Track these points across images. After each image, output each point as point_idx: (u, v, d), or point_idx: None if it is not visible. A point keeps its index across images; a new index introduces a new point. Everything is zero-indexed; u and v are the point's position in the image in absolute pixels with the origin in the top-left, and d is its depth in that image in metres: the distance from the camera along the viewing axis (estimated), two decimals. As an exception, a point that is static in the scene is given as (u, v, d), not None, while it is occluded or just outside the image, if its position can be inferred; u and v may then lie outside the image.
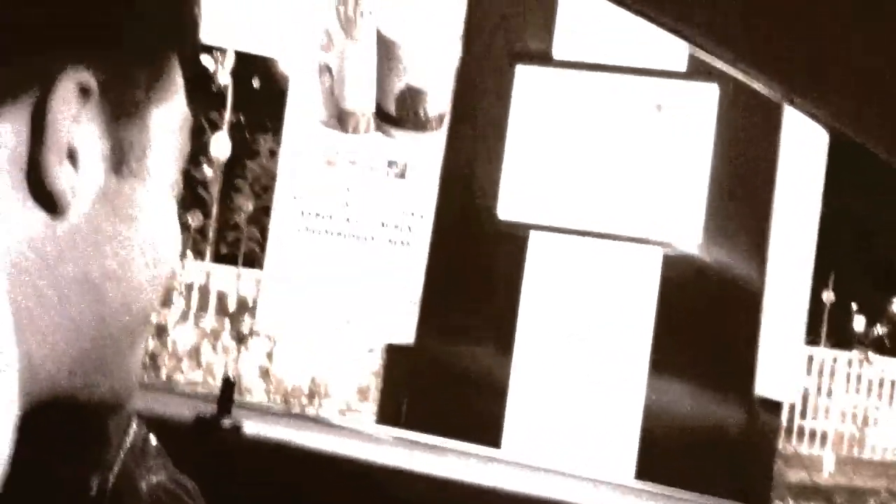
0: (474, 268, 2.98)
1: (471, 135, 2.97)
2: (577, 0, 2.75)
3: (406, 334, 2.95)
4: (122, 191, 0.52)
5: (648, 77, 2.78)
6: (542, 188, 2.86)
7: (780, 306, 2.88)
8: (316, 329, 3.00)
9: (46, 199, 0.48)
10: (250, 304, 6.85)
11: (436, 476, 1.40)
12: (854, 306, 8.90)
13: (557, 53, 2.88)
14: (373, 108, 2.93)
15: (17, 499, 0.48)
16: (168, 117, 0.55)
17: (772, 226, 2.80)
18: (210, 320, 7.61)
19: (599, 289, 2.83)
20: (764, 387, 2.82)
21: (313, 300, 3.01)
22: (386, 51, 2.87)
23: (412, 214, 2.96)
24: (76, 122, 0.49)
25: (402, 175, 2.97)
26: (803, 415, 9.18)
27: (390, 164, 2.97)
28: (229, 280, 7.65)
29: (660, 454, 2.74)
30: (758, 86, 0.68)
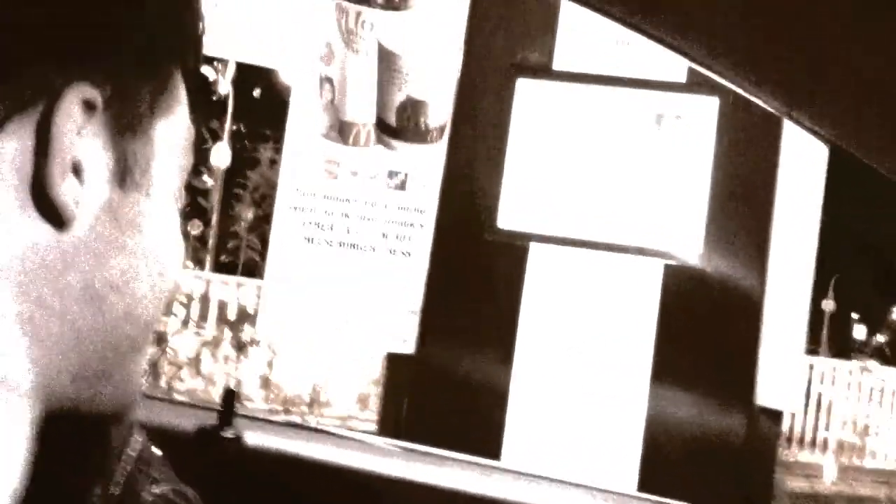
0: (475, 278, 2.98)
1: (471, 146, 2.98)
2: (577, 12, 2.76)
3: (406, 343, 2.96)
4: (126, 203, 0.52)
5: (649, 89, 2.79)
6: (543, 199, 2.87)
7: (780, 316, 2.88)
8: (317, 338, 3.00)
9: (51, 211, 0.49)
10: (251, 313, 6.85)
11: (436, 486, 1.40)
12: (854, 316, 8.90)
13: (558, 65, 2.88)
14: (373, 120, 2.94)
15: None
16: (171, 131, 0.56)
17: (772, 236, 2.80)
18: (210, 329, 7.62)
19: (600, 298, 2.83)
20: (765, 396, 2.82)
21: (314, 310, 3.01)
22: (387, 62, 2.88)
23: (413, 225, 2.96)
24: (81, 135, 0.49)
25: (402, 186, 2.97)
26: (804, 423, 9.17)
27: (391, 174, 2.98)
28: (229, 289, 7.66)
29: (662, 463, 2.74)
30: (757, 101, 0.68)
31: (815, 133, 0.67)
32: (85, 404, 0.54)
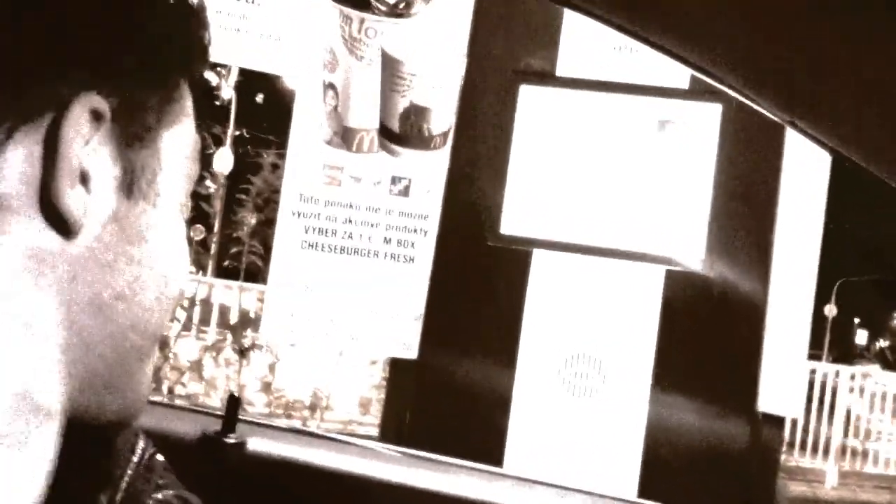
0: (477, 283, 2.98)
1: (474, 152, 2.98)
2: (580, 19, 2.76)
3: (409, 349, 2.96)
4: (133, 213, 0.53)
5: (652, 95, 2.79)
6: (546, 205, 2.87)
7: (783, 321, 2.88)
8: (319, 343, 3.00)
9: (59, 220, 0.49)
10: (252, 318, 6.85)
11: (438, 492, 1.40)
12: (857, 320, 8.90)
13: (561, 72, 2.89)
14: (377, 126, 2.95)
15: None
16: (178, 141, 0.56)
17: (775, 241, 2.80)
18: (212, 333, 7.62)
19: (603, 304, 2.83)
20: (767, 402, 2.82)
21: (317, 315, 3.01)
22: (390, 69, 2.88)
23: (416, 231, 2.97)
24: (88, 145, 0.50)
25: (405, 192, 2.98)
26: (806, 429, 9.16)
27: (394, 180, 2.98)
28: (232, 293, 7.66)
29: (663, 468, 2.73)
30: (759, 109, 0.69)
31: (816, 141, 0.67)
32: (92, 413, 0.54)
